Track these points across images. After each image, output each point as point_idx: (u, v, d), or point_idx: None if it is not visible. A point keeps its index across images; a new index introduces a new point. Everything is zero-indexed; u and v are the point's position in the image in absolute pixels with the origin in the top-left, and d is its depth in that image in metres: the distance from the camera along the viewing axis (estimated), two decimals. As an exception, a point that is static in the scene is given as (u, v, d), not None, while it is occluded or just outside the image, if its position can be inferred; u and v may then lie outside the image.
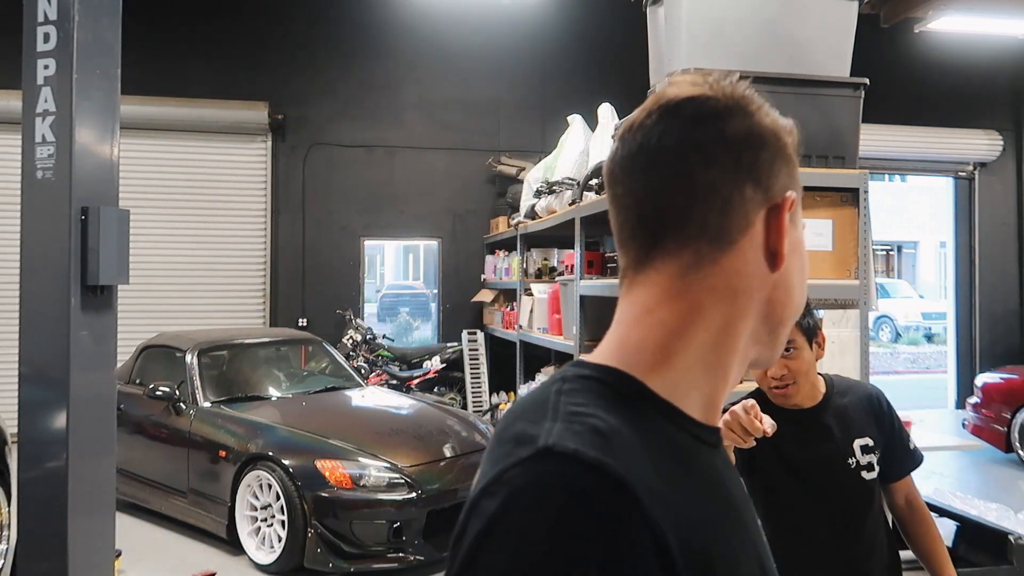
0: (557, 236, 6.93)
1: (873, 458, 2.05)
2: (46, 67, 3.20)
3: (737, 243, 0.77)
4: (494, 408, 8.57)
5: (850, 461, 2.04)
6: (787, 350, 1.99)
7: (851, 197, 4.20)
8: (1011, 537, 3.78)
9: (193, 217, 9.09)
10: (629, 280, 0.80)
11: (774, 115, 0.82)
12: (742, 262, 0.77)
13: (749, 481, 2.10)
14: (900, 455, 2.11)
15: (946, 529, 4.01)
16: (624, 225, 0.81)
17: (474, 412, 8.14)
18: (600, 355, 0.78)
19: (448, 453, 5.05)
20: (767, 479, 2.07)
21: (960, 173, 11.06)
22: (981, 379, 8.02)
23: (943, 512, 4.73)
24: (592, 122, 6.14)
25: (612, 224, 0.83)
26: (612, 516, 0.62)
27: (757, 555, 0.76)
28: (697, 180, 0.76)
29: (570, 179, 6.04)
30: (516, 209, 7.98)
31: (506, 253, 8.63)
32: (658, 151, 0.77)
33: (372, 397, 6.14)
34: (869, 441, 2.06)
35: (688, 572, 0.64)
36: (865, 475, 2.04)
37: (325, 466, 4.69)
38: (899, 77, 10.00)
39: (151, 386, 5.61)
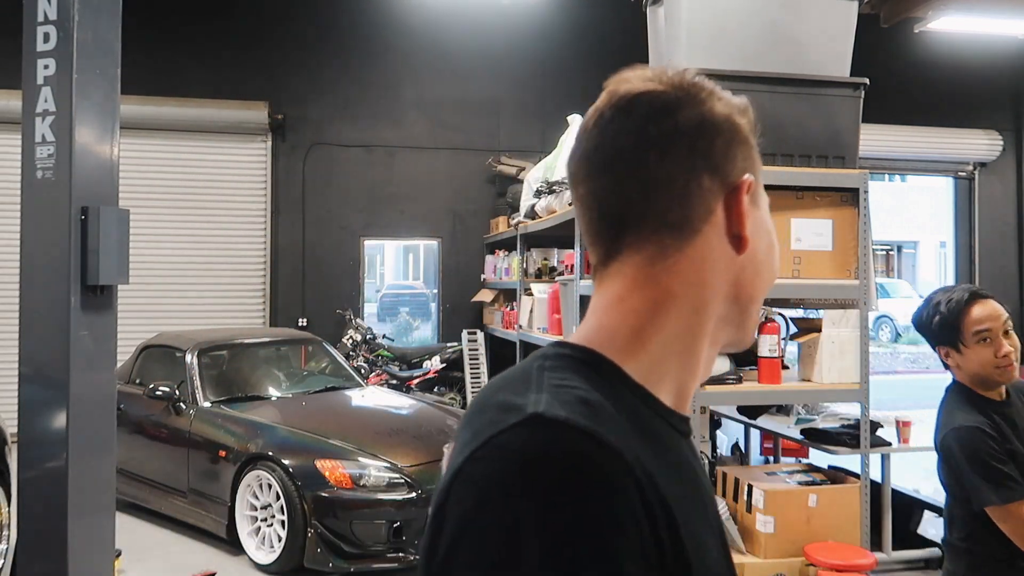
0: (557, 236, 6.93)
1: None
2: (46, 67, 3.20)
3: (701, 231, 0.78)
4: (494, 408, 8.55)
5: None
6: (1005, 333, 2.16)
7: (851, 197, 4.20)
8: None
9: (193, 217, 9.09)
10: (600, 275, 0.82)
11: (727, 98, 0.82)
12: (707, 248, 0.79)
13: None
14: None
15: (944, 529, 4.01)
16: (590, 224, 0.82)
17: (474, 412, 8.12)
18: (578, 338, 0.79)
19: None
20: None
21: (960, 173, 11.06)
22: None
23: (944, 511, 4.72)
24: (592, 122, 6.13)
25: (579, 223, 0.84)
26: (605, 481, 0.62)
27: (720, 544, 0.78)
28: (654, 175, 0.77)
29: (570, 179, 6.03)
30: (516, 209, 7.98)
31: (506, 253, 8.62)
32: (614, 149, 0.79)
33: (372, 397, 6.14)
34: None
35: (668, 542, 0.65)
36: None
37: (325, 466, 4.69)
38: (899, 77, 10.00)
39: (151, 386, 5.61)
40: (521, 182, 8.13)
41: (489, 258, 9.30)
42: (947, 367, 2.28)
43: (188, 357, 5.78)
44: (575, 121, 6.60)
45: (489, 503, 0.62)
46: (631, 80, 0.81)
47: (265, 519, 4.87)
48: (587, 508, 0.60)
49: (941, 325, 2.20)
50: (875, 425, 4.67)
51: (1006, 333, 2.17)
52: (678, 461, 0.75)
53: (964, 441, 2.11)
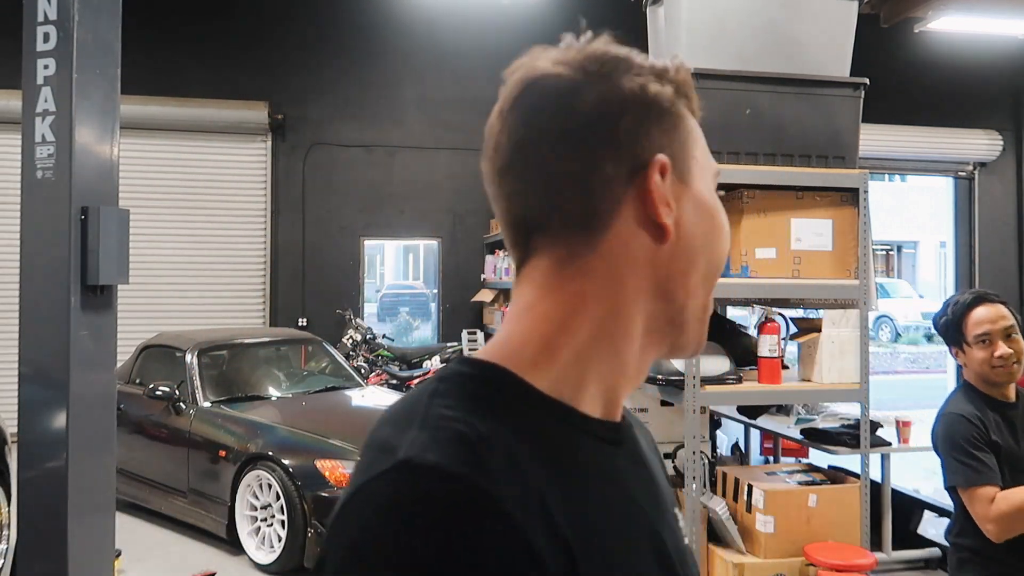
0: (557, 236, 6.92)
1: None
2: (46, 67, 3.20)
3: (610, 225, 0.71)
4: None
5: None
6: (1008, 336, 2.24)
7: (851, 197, 4.20)
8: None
9: (193, 217, 9.09)
10: (516, 281, 0.76)
11: (640, 65, 0.73)
12: (621, 243, 0.71)
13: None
14: None
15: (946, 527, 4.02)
16: (505, 228, 0.75)
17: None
18: (485, 352, 0.73)
19: (448, 453, 5.05)
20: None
21: (960, 173, 11.06)
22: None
23: (943, 512, 4.73)
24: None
25: (500, 228, 0.78)
26: (476, 530, 0.57)
27: (660, 559, 0.72)
28: (554, 170, 0.70)
29: (570, 179, 6.04)
30: (516, 209, 7.98)
31: (506, 253, 8.62)
32: (513, 146, 0.72)
33: (372, 397, 6.14)
34: None
35: None
36: None
37: (325, 466, 4.69)
38: (899, 77, 10.00)
39: (151, 386, 5.61)
40: (521, 182, 8.14)
41: (489, 258, 9.30)
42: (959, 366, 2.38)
43: (188, 357, 5.78)
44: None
45: (357, 563, 0.58)
46: (530, 66, 0.74)
47: (265, 519, 4.87)
48: (455, 561, 0.56)
49: (946, 326, 2.34)
50: (875, 425, 4.67)
51: (1009, 336, 2.24)
52: (600, 477, 0.69)
53: (946, 425, 2.24)
